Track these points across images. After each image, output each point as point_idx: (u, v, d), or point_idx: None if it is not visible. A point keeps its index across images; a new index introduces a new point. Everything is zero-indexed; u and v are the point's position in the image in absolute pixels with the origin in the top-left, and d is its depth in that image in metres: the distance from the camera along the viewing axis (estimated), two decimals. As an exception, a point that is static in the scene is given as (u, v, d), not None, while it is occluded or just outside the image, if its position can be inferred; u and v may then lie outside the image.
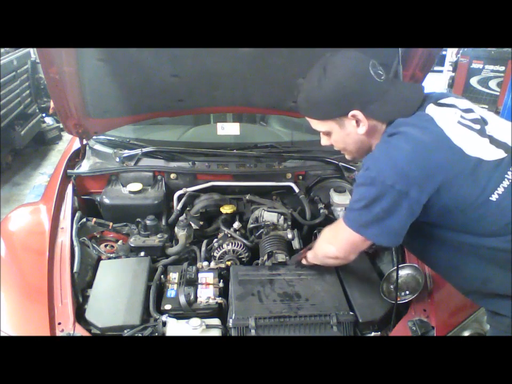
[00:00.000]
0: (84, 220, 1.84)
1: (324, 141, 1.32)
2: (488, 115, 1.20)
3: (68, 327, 1.36)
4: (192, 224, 1.88)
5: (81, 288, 1.55)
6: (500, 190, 1.06)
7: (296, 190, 2.06)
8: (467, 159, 1.06)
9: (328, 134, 1.27)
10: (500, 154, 1.10)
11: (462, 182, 1.06)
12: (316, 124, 1.27)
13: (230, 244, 1.79)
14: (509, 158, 1.10)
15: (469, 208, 1.08)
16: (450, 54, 6.39)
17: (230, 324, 1.38)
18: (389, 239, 1.16)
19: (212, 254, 1.80)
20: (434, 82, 6.13)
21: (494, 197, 1.06)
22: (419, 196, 1.06)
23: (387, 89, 1.17)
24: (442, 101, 1.20)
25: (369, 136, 1.22)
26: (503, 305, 1.17)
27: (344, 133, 1.23)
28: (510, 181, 1.08)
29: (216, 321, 1.44)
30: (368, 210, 1.12)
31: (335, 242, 1.31)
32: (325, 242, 1.39)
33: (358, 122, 1.19)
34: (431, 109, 1.16)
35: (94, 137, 2.13)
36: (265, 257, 1.69)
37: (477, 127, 1.13)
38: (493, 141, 1.12)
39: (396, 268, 1.43)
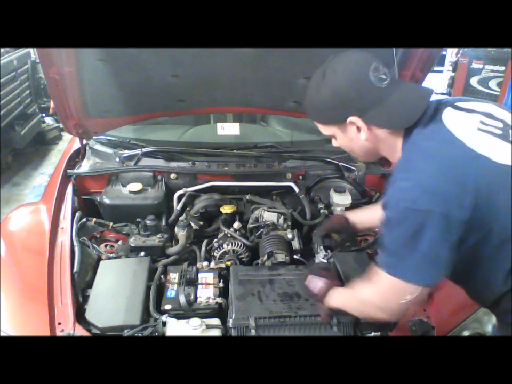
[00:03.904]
0: (84, 219, 1.84)
1: (334, 143, 1.28)
2: (509, 117, 1.13)
3: (67, 327, 1.36)
4: (192, 224, 1.88)
5: (81, 288, 1.55)
6: None
7: (296, 190, 2.06)
8: (496, 166, 1.01)
9: (334, 137, 1.25)
10: None
11: (497, 188, 1.00)
12: (320, 127, 1.25)
13: (230, 244, 1.79)
14: None
15: (505, 218, 1.01)
16: (450, 54, 6.38)
17: (230, 324, 1.38)
18: (442, 274, 1.06)
19: (212, 254, 1.80)
20: (434, 82, 6.12)
21: None
22: (460, 212, 0.97)
23: (388, 94, 1.10)
24: (459, 104, 1.15)
25: (374, 143, 1.18)
26: None
27: (347, 138, 1.20)
28: None
29: (216, 321, 1.44)
30: (414, 250, 1.00)
31: (386, 308, 1.13)
32: (374, 309, 1.17)
33: (358, 128, 1.15)
34: (448, 116, 1.10)
35: (94, 137, 2.13)
36: (265, 257, 1.70)
37: (499, 132, 1.07)
38: None
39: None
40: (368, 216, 1.57)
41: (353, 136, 1.18)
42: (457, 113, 1.12)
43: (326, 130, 1.24)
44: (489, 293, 1.16)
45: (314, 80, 1.18)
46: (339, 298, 1.32)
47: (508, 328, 1.15)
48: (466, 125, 1.08)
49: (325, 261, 1.68)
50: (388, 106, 1.11)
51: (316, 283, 1.38)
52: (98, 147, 2.14)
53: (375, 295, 1.15)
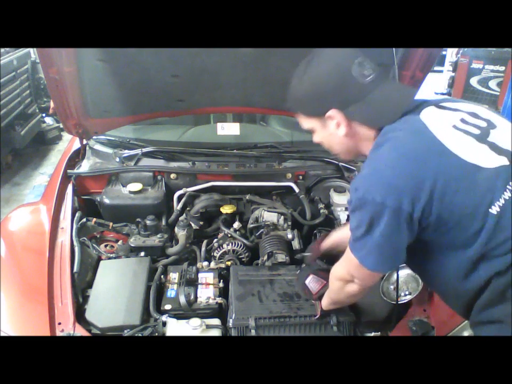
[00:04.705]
0: (84, 219, 1.84)
1: (315, 138, 1.25)
2: (499, 120, 1.09)
3: (67, 327, 1.37)
4: (192, 224, 1.88)
5: (81, 288, 1.55)
6: (502, 201, 0.96)
7: (296, 190, 2.06)
8: (463, 164, 0.98)
9: (314, 131, 1.22)
10: (502, 161, 0.99)
11: (457, 188, 0.96)
12: (301, 119, 1.23)
13: (230, 243, 1.79)
14: (510, 167, 0.99)
15: (466, 220, 0.97)
16: (450, 54, 6.38)
17: (230, 324, 1.38)
18: (390, 265, 1.10)
19: (212, 254, 1.80)
20: (434, 82, 6.12)
21: (494, 209, 0.96)
22: (412, 208, 0.96)
23: (370, 91, 1.08)
24: (445, 104, 1.13)
25: (354, 140, 1.15)
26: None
27: (327, 133, 1.18)
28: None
29: (216, 321, 1.44)
30: (366, 236, 1.03)
31: (355, 277, 1.17)
32: (343, 282, 1.22)
33: (338, 123, 1.12)
34: (426, 112, 1.09)
35: (94, 137, 2.13)
36: (265, 257, 1.70)
37: (476, 132, 1.04)
38: (494, 147, 1.01)
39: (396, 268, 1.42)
40: None
41: (332, 131, 1.15)
42: (438, 110, 1.10)
43: (306, 123, 1.21)
44: (453, 298, 1.15)
45: (299, 69, 1.16)
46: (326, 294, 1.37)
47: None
48: (441, 121, 1.06)
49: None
50: (368, 102, 1.08)
51: (315, 283, 1.40)
52: (98, 147, 2.14)
53: (341, 266, 1.21)
